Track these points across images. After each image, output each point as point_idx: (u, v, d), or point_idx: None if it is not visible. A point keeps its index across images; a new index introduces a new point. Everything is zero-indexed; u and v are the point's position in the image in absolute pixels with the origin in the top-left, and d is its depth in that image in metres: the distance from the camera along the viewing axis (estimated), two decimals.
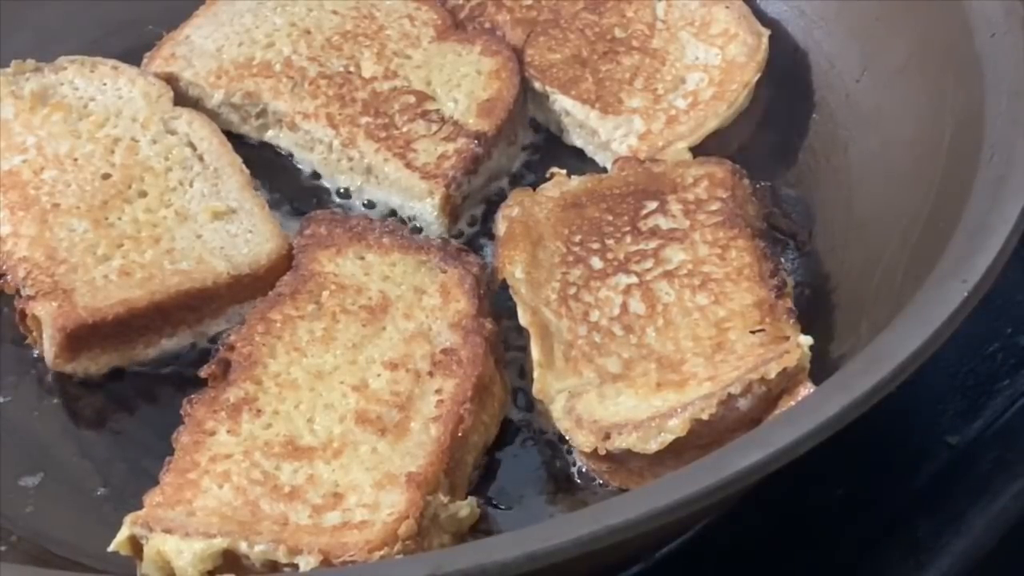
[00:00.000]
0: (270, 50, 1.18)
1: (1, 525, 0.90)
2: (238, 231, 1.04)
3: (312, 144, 1.13)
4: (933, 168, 0.97)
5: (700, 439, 0.87)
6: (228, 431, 0.90)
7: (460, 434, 0.89)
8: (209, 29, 1.20)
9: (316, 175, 1.14)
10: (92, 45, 1.21)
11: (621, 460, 0.89)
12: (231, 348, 0.95)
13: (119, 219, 1.04)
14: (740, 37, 1.15)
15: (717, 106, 1.11)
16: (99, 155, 1.08)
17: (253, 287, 1.01)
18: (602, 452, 0.89)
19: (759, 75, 1.13)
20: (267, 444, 0.89)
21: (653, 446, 0.87)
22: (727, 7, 1.17)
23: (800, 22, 1.18)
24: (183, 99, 1.16)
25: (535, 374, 0.93)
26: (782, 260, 1.02)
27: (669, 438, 0.87)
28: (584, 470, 0.92)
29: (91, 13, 1.23)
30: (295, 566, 0.82)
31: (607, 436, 0.88)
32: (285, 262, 1.02)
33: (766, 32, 1.15)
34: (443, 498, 0.86)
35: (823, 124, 1.13)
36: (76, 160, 1.07)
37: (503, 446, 0.95)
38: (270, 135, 1.16)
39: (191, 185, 1.07)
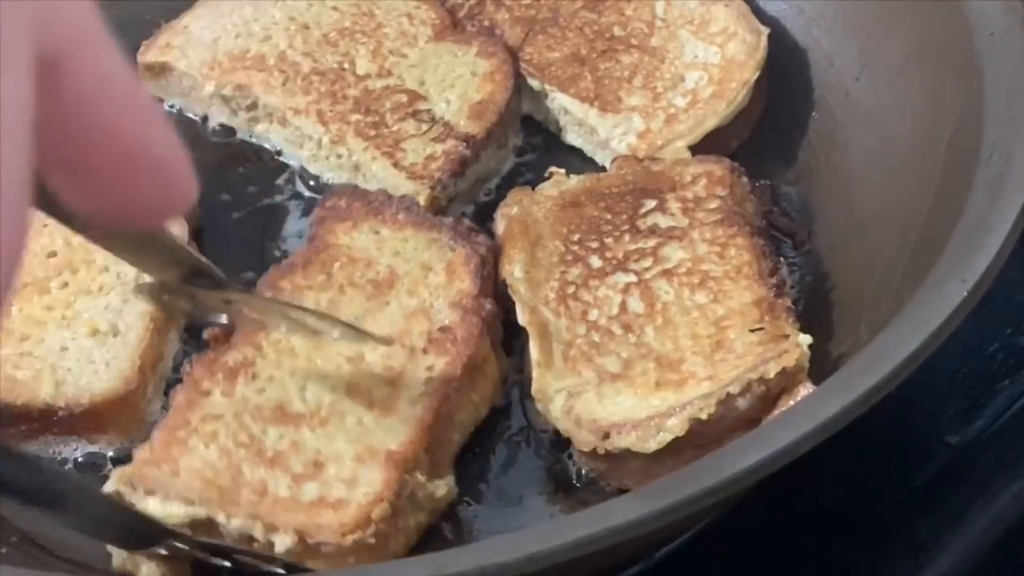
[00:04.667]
0: (266, 43, 1.17)
1: (1, 525, 0.90)
2: (98, 358, 0.96)
3: (302, 140, 1.13)
4: (932, 166, 0.97)
5: (699, 439, 0.87)
6: (222, 393, 0.91)
7: (445, 412, 0.90)
8: (209, 20, 1.20)
9: (304, 171, 1.14)
10: None
11: (620, 460, 0.89)
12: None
13: (20, 310, 0.98)
14: (739, 35, 1.15)
15: (716, 104, 1.11)
16: (66, 229, 1.02)
17: (69, 423, 0.94)
18: (601, 451, 0.89)
19: (758, 74, 1.13)
20: (258, 408, 0.90)
21: (652, 445, 0.87)
22: (726, 5, 1.17)
23: (799, 20, 1.18)
24: (177, 90, 1.17)
25: (534, 374, 0.93)
26: (781, 259, 1.02)
27: (668, 437, 0.87)
28: (583, 470, 0.92)
29: None
30: (271, 544, 0.83)
31: (606, 435, 0.88)
32: (111, 408, 0.95)
33: (765, 30, 1.15)
34: (420, 477, 0.87)
35: (822, 122, 1.13)
36: (45, 226, 1.01)
37: (501, 446, 0.95)
38: (260, 129, 1.16)
39: (107, 293, 1.00)
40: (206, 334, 0.95)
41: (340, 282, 0.98)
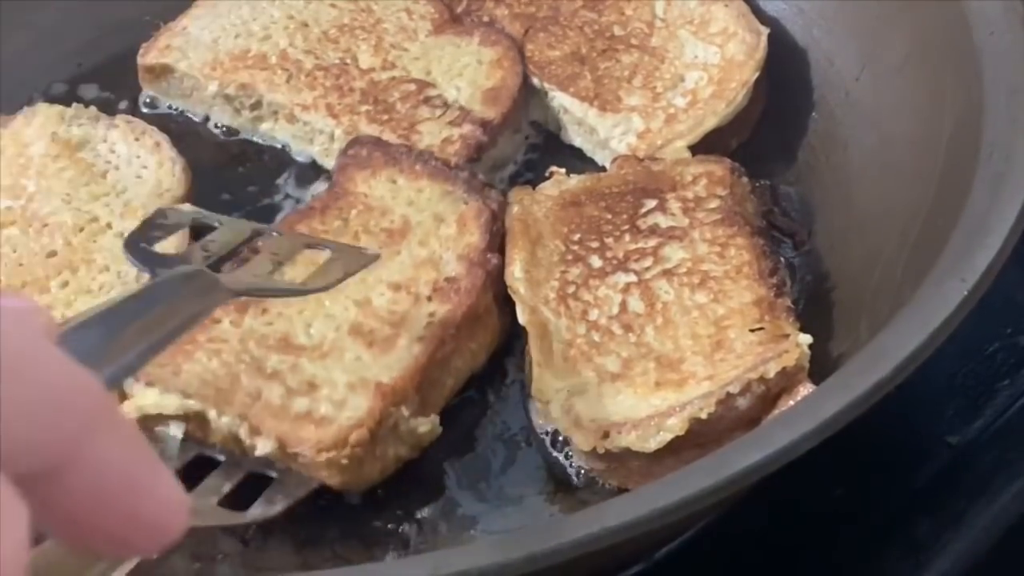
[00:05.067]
0: (266, 42, 1.18)
1: None
2: None
3: (312, 135, 1.13)
4: (932, 166, 0.97)
5: (699, 438, 0.87)
6: (231, 322, 0.95)
7: (440, 356, 0.93)
8: (207, 20, 1.20)
9: (302, 173, 1.14)
10: (90, 45, 1.21)
11: (620, 459, 0.89)
12: (255, 252, 0.98)
13: None
14: (739, 35, 1.15)
15: (716, 104, 1.11)
16: (66, 229, 1.03)
17: None
18: (601, 451, 0.89)
19: (758, 73, 1.13)
20: (263, 337, 0.94)
21: (652, 445, 0.87)
22: (726, 5, 1.17)
23: (799, 20, 1.18)
24: (177, 91, 1.17)
25: (533, 373, 0.93)
26: (781, 258, 1.02)
27: (668, 437, 0.87)
28: (583, 470, 0.92)
29: (90, 13, 1.23)
30: (252, 447, 0.87)
31: (606, 435, 0.88)
32: None
33: (765, 30, 1.15)
34: (405, 412, 0.90)
35: (822, 122, 1.13)
36: (46, 226, 1.03)
37: (501, 446, 0.95)
38: (265, 127, 1.16)
39: (107, 293, 0.99)
40: (225, 268, 0.97)
41: (355, 229, 1.01)
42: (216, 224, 0.92)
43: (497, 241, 1.00)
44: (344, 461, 0.87)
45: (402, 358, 0.92)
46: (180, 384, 0.90)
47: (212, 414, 0.88)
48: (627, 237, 1.01)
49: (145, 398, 0.89)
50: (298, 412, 0.88)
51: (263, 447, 0.87)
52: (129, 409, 0.90)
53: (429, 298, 0.96)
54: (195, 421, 0.89)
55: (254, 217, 1.10)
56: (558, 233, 1.02)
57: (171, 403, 0.89)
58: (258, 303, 0.95)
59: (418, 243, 1.00)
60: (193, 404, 0.89)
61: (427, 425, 0.91)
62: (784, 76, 1.15)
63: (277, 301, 0.96)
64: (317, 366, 0.92)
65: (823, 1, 1.16)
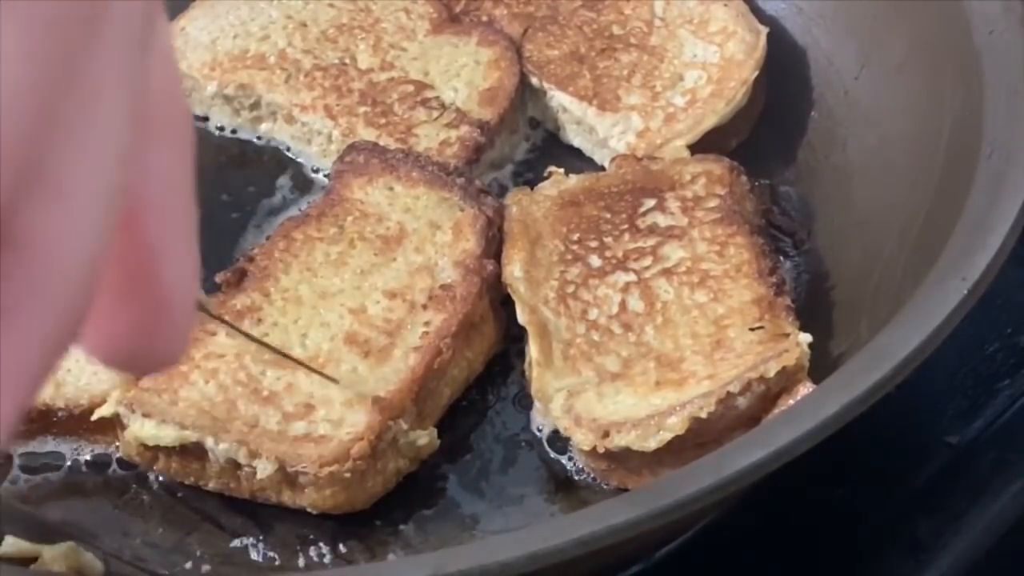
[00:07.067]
0: (265, 43, 1.18)
1: (0, 524, 0.90)
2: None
3: (310, 136, 1.13)
4: (932, 165, 0.97)
5: (699, 438, 0.87)
6: (227, 334, 0.95)
7: (436, 366, 0.93)
8: (205, 21, 1.20)
9: (301, 173, 1.14)
10: None
11: (620, 459, 0.89)
12: (251, 260, 0.99)
13: None
14: (738, 35, 1.15)
15: (715, 104, 1.11)
16: None
17: (69, 423, 0.94)
18: (601, 451, 0.88)
19: (757, 72, 1.13)
20: (259, 350, 0.94)
21: (652, 444, 0.87)
22: (725, 5, 1.17)
23: (798, 19, 1.18)
24: None
25: (533, 373, 0.93)
26: (780, 257, 1.02)
27: (668, 436, 0.87)
28: (583, 469, 0.92)
29: None
30: (252, 468, 0.88)
31: (606, 434, 0.88)
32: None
33: (764, 29, 1.15)
34: (403, 424, 0.90)
35: (821, 121, 1.13)
36: None
37: (501, 446, 0.95)
38: (264, 128, 1.16)
39: None
40: (218, 278, 0.98)
41: (351, 236, 1.01)
42: None
43: (494, 247, 1.00)
44: (347, 475, 0.87)
45: (399, 369, 0.92)
46: (177, 414, 0.90)
47: (209, 442, 0.89)
48: (626, 236, 1.01)
49: (143, 430, 0.89)
50: (297, 435, 0.89)
51: (263, 469, 0.87)
52: (127, 440, 0.91)
53: (424, 306, 0.96)
54: (192, 451, 0.90)
55: (253, 217, 1.11)
56: (557, 233, 1.02)
57: (168, 434, 0.89)
58: (254, 313, 0.96)
59: (414, 250, 1.00)
60: (190, 435, 0.89)
61: (426, 438, 0.91)
62: (783, 75, 1.15)
63: (273, 311, 0.96)
64: (314, 381, 0.92)
65: (822, 0, 1.16)
